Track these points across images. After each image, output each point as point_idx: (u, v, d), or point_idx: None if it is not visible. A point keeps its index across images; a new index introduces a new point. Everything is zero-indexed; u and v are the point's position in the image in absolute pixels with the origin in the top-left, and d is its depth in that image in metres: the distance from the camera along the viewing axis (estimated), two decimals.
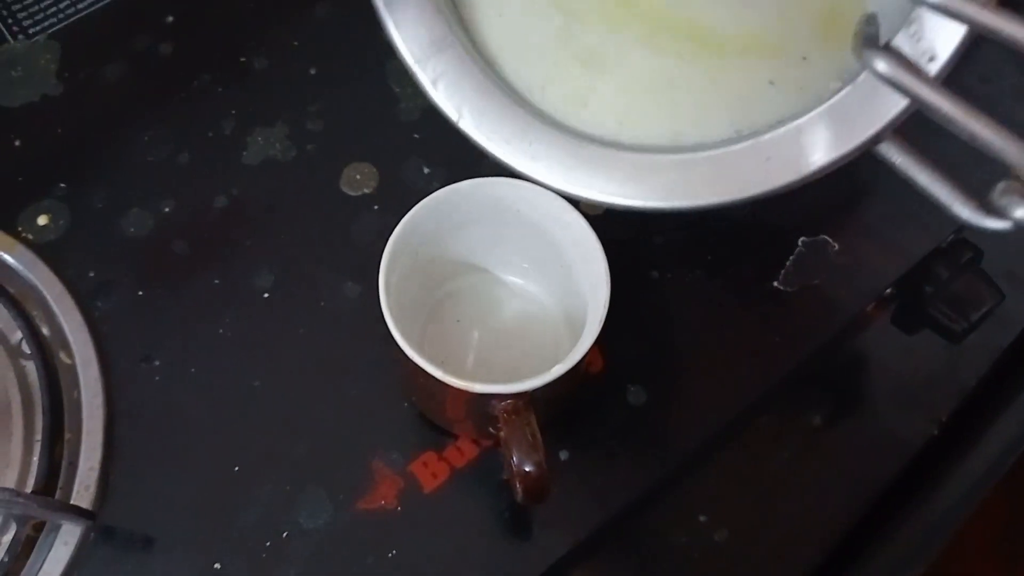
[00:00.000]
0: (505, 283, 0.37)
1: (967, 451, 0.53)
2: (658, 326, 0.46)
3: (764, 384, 0.46)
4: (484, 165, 0.42)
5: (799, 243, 0.48)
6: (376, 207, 0.48)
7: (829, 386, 0.53)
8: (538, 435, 0.35)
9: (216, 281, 0.46)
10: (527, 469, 0.34)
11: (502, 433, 0.36)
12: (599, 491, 0.43)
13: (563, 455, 0.43)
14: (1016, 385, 0.51)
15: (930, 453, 0.52)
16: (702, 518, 0.46)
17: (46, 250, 0.46)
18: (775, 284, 0.47)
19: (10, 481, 0.42)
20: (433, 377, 0.35)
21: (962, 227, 0.50)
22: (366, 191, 0.49)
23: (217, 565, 0.41)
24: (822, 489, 0.50)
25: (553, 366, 0.35)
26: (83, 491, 0.42)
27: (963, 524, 0.52)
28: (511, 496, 0.41)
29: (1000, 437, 0.50)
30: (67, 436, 0.43)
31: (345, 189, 0.49)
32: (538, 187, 0.38)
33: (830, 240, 0.49)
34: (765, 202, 0.49)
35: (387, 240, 0.37)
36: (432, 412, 0.42)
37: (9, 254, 0.46)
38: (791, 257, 0.48)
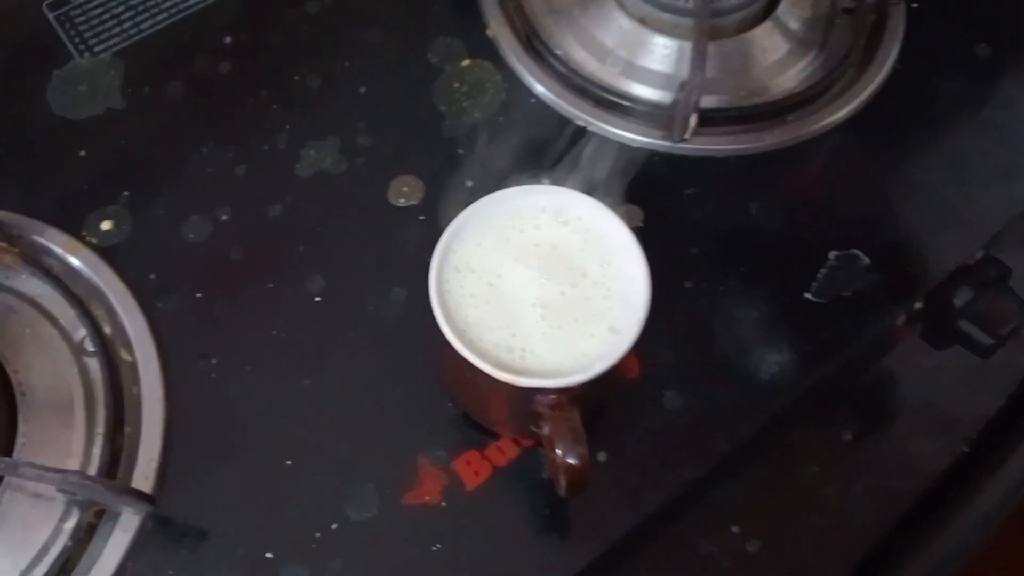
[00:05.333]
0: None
1: (995, 469, 0.54)
2: (693, 334, 0.48)
3: (795, 392, 0.47)
4: (523, 182, 0.44)
5: (830, 256, 0.50)
6: (422, 217, 0.50)
7: (859, 401, 0.54)
8: (581, 429, 0.36)
9: (270, 285, 0.48)
10: (571, 461, 0.36)
11: (546, 429, 0.37)
12: (634, 494, 0.44)
13: (601, 456, 0.44)
14: None
15: (958, 470, 0.53)
16: (734, 528, 0.48)
17: (109, 254, 0.49)
18: (806, 295, 0.49)
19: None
20: (479, 372, 0.37)
21: (991, 244, 0.52)
22: (412, 202, 0.51)
23: (268, 555, 0.42)
24: (851, 503, 0.51)
25: (582, 360, 0.37)
26: (142, 480, 0.44)
27: (991, 540, 0.52)
28: (550, 495, 0.43)
29: None
30: (127, 430, 0.45)
31: (393, 200, 0.51)
32: (582, 195, 0.40)
33: (861, 254, 0.50)
34: (797, 216, 0.51)
35: (432, 249, 0.39)
36: (475, 411, 0.44)
37: (75, 256, 0.49)
38: (822, 270, 0.50)
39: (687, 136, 0.50)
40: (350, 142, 0.53)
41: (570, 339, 0.38)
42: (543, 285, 0.39)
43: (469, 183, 0.51)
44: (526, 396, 0.37)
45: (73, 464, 0.44)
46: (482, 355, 0.36)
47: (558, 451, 0.36)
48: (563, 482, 0.37)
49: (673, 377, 0.46)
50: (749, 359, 0.47)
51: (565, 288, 0.39)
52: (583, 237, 0.40)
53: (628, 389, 0.45)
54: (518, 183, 0.48)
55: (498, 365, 0.36)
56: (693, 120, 0.49)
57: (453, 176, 0.51)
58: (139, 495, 0.41)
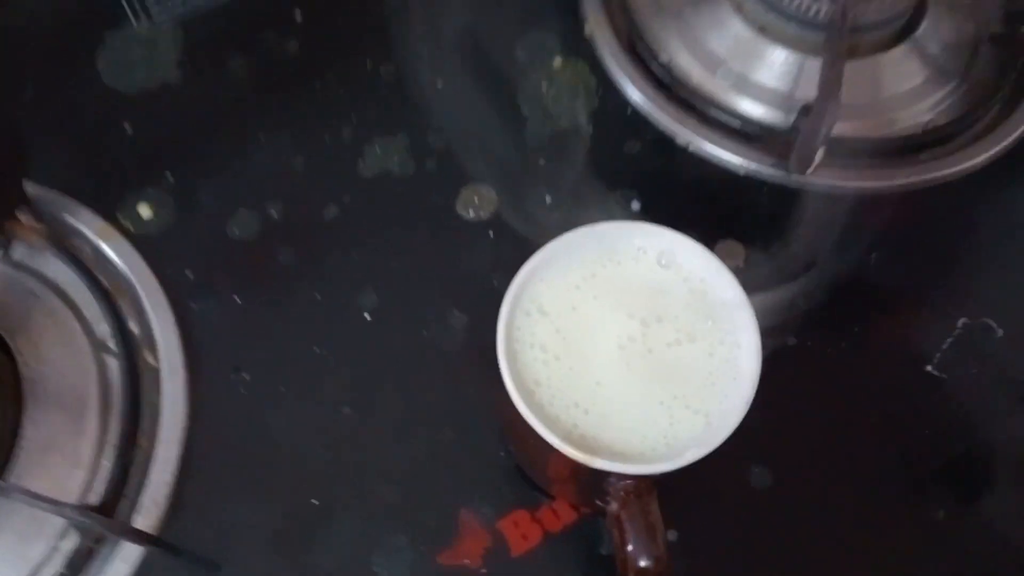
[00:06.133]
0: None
1: None
2: (791, 402, 0.41)
3: (904, 482, 0.40)
4: (610, 206, 0.38)
5: (959, 324, 0.43)
6: (491, 233, 0.45)
7: (957, 477, 0.47)
8: (660, 525, 0.30)
9: (317, 296, 0.43)
10: (643, 564, 0.30)
11: (616, 512, 0.31)
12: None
13: (671, 536, 0.38)
14: None
15: None
16: None
17: (144, 243, 0.44)
18: (928, 368, 0.42)
19: (77, 483, 0.39)
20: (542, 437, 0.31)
21: None
22: (483, 215, 0.45)
23: None
24: None
25: (670, 441, 0.30)
26: (151, 506, 0.39)
27: None
28: (607, 573, 0.37)
29: None
30: (142, 442, 0.40)
31: (461, 211, 0.45)
32: (690, 240, 0.33)
33: (994, 325, 0.43)
34: (923, 272, 0.44)
35: (501, 270, 0.33)
36: (532, 469, 0.38)
37: (107, 243, 0.44)
38: (949, 339, 0.42)
39: (810, 171, 0.43)
40: (420, 141, 0.47)
41: (658, 412, 0.31)
42: (631, 334, 0.32)
43: (548, 199, 0.45)
44: (599, 475, 0.31)
45: (79, 475, 0.40)
46: (552, 422, 0.31)
47: (630, 548, 0.30)
48: None
49: (763, 451, 0.40)
50: (854, 437, 0.40)
51: (658, 343, 0.32)
52: (688, 287, 0.33)
53: (708, 458, 0.39)
54: (604, 205, 0.42)
55: (568, 436, 0.31)
56: (820, 154, 0.42)
57: (531, 190, 0.46)
58: (140, 536, 0.36)
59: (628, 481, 0.31)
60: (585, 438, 0.31)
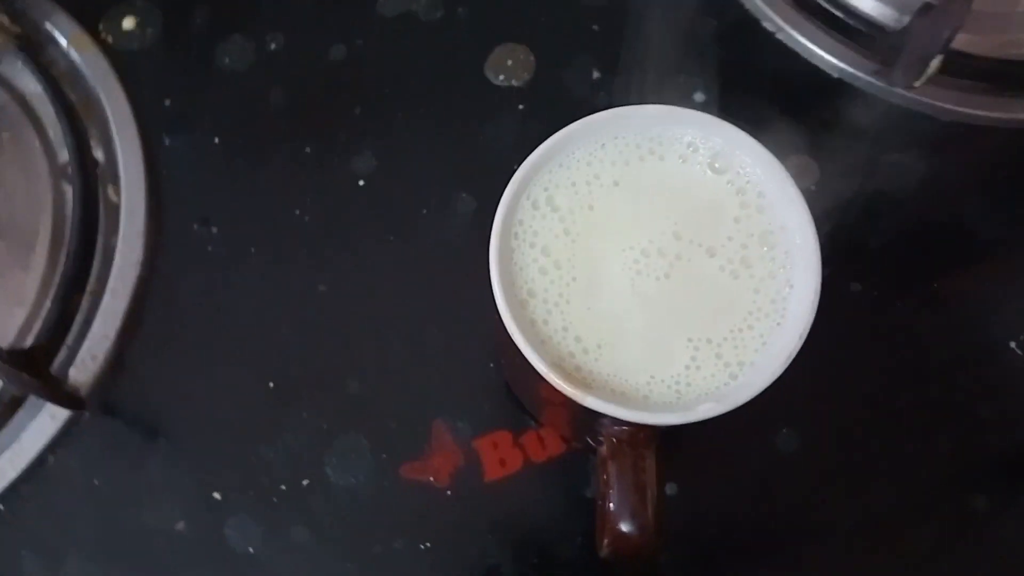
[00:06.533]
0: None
1: None
2: (841, 357, 0.34)
3: (950, 467, 0.34)
4: (668, 93, 0.31)
5: None
6: (521, 107, 0.38)
7: (1004, 463, 0.40)
8: (653, 487, 0.25)
9: (307, 150, 0.37)
10: (623, 528, 0.24)
11: (606, 462, 0.26)
12: (711, 546, 0.33)
13: (670, 489, 0.33)
14: None
15: None
16: None
17: (123, 60, 0.38)
18: (1012, 345, 0.35)
19: (16, 321, 0.35)
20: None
21: None
22: (515, 83, 0.38)
23: (216, 495, 0.33)
24: None
25: (682, 388, 0.24)
26: (88, 361, 0.34)
27: None
28: (589, 521, 0.31)
29: None
30: (91, 287, 0.36)
31: (489, 75, 0.38)
32: (757, 143, 0.26)
33: None
34: None
35: (525, 152, 0.27)
36: (520, 387, 0.33)
37: (81, 54, 0.38)
38: None
39: (918, 84, 0.35)
40: None
41: (677, 350, 0.25)
42: (661, 248, 0.26)
43: (596, 74, 0.38)
44: (593, 412, 0.25)
45: (20, 313, 0.35)
46: (543, 343, 0.25)
47: (611, 507, 0.25)
48: (606, 549, 0.25)
49: (796, 410, 0.34)
50: (904, 409, 0.34)
51: (691, 266, 0.26)
52: (742, 200, 0.26)
53: (734, 415, 0.33)
54: (661, 90, 0.35)
55: (560, 363, 0.25)
56: (935, 63, 0.34)
57: (576, 60, 0.38)
58: (66, 400, 0.32)
59: (624, 427, 0.25)
60: (580, 368, 0.25)
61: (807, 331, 0.24)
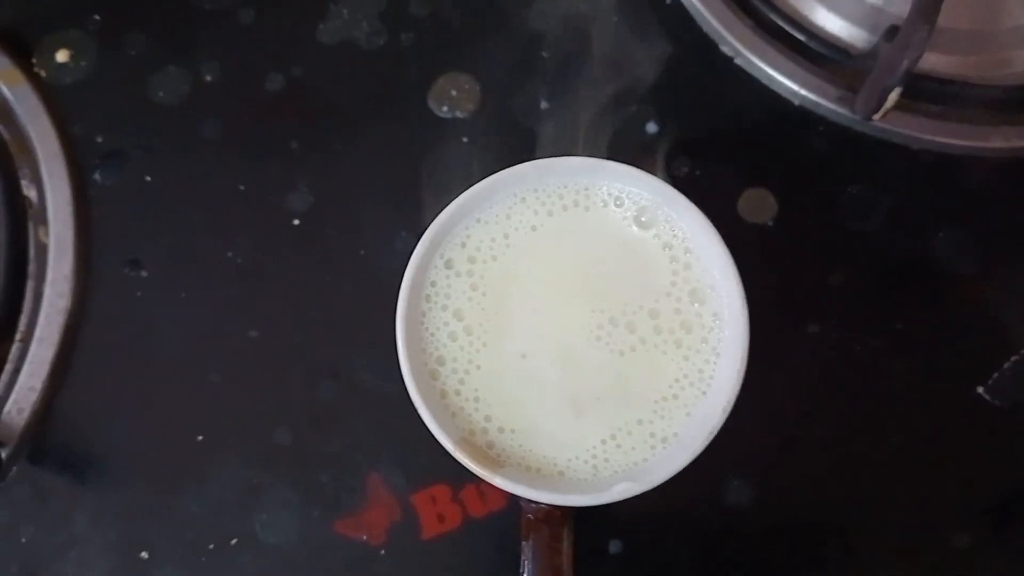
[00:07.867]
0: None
1: None
2: (797, 401, 0.33)
3: (920, 516, 0.32)
4: (620, 124, 0.29)
5: None
6: (466, 139, 0.36)
7: (982, 502, 0.39)
8: (568, 568, 0.23)
9: (241, 187, 0.36)
10: None
11: (525, 536, 0.24)
12: None
13: (613, 547, 0.31)
14: None
15: None
16: None
17: (55, 95, 0.37)
18: (978, 390, 0.33)
19: None
20: None
21: None
22: (459, 114, 0.36)
23: (144, 554, 0.32)
24: None
25: (599, 464, 0.23)
26: (15, 413, 0.33)
27: None
28: None
29: None
30: (20, 334, 0.34)
31: (433, 105, 0.36)
32: (686, 200, 0.24)
33: None
34: (1001, 266, 0.35)
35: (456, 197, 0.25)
36: None
37: (11, 90, 0.37)
38: (1010, 360, 0.33)
39: (876, 117, 0.33)
40: (399, 8, 0.38)
41: (595, 424, 0.24)
42: (583, 305, 0.24)
43: (544, 104, 0.36)
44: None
45: None
46: (455, 415, 0.23)
47: None
48: None
49: (747, 462, 0.32)
50: (863, 455, 0.32)
51: (615, 329, 0.24)
52: (671, 255, 0.25)
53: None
54: (612, 121, 0.33)
55: (471, 437, 0.23)
56: (894, 95, 0.32)
57: (523, 89, 0.36)
58: None
59: (540, 504, 0.24)
60: (493, 445, 0.24)
61: (732, 404, 0.23)
